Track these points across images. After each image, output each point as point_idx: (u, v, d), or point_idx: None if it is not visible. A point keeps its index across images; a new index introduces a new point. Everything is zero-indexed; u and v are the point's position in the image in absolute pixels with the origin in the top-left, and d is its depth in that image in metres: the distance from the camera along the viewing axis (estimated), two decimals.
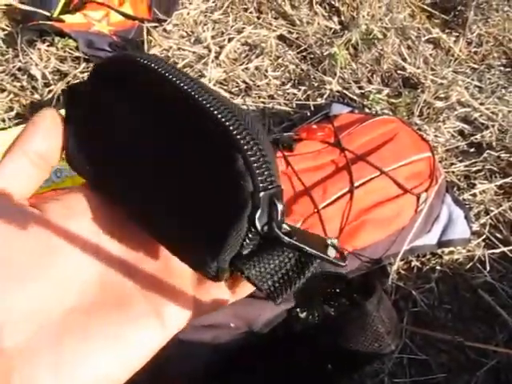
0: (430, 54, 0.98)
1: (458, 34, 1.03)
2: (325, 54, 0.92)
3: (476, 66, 0.98)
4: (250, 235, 0.18)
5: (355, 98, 0.86)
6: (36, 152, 0.19)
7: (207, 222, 0.18)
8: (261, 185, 0.17)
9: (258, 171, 0.18)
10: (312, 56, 0.93)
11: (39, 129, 0.19)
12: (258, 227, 0.17)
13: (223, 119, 0.18)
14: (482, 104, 0.90)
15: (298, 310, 0.57)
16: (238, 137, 0.18)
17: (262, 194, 0.17)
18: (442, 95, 0.90)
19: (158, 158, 0.19)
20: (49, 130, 0.20)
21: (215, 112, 0.18)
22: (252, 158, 0.18)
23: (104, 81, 0.21)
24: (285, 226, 0.18)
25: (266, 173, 0.18)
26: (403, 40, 0.99)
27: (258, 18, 0.99)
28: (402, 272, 0.67)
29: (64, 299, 0.17)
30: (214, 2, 1.00)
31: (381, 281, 0.60)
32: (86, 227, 0.19)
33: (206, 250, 0.18)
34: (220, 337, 0.49)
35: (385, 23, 1.00)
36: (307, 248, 0.19)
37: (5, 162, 0.19)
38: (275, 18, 0.99)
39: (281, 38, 0.97)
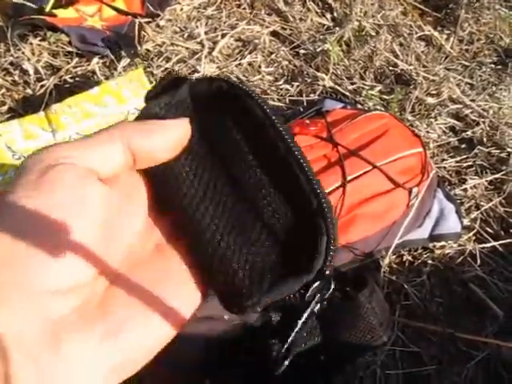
0: (422, 51, 0.99)
1: (449, 32, 1.04)
2: (318, 50, 0.92)
3: (467, 64, 0.99)
4: (293, 296, 0.20)
5: (348, 93, 0.86)
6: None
7: (270, 265, 0.20)
8: (327, 267, 0.20)
9: (330, 254, 0.20)
10: (305, 52, 0.94)
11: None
12: (307, 295, 0.19)
13: (320, 194, 0.20)
14: (473, 101, 0.91)
15: None
16: (329, 219, 0.20)
17: (327, 274, 0.20)
18: (434, 92, 0.90)
19: (244, 188, 0.21)
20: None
21: (314, 183, 0.21)
22: (331, 241, 0.20)
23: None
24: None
25: (331, 257, 0.20)
26: (395, 37, 0.99)
27: (251, 14, 0.99)
28: (394, 266, 0.67)
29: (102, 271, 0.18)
30: None
31: (373, 274, 0.60)
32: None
33: (257, 286, 0.19)
34: (215, 329, 0.49)
35: (377, 20, 1.00)
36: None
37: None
38: (268, 15, 1.00)
39: (274, 34, 0.97)
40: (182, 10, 0.97)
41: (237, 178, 0.21)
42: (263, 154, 0.22)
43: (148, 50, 0.90)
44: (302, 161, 0.21)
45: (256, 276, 0.19)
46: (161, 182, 0.21)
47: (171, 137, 0.21)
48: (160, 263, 0.20)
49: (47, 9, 0.87)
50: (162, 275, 0.20)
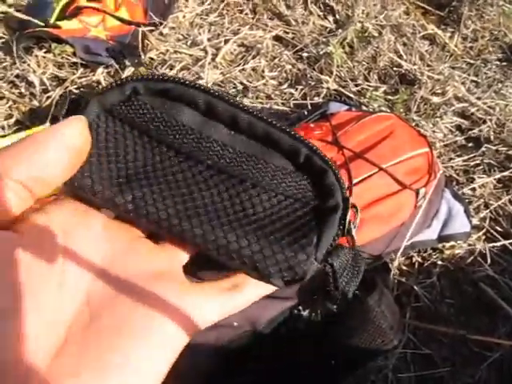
0: (426, 51, 0.98)
1: (453, 30, 1.04)
2: (321, 53, 0.92)
3: (472, 61, 0.99)
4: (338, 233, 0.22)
5: (352, 95, 0.86)
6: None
7: (298, 228, 0.21)
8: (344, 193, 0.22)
9: (341, 181, 0.22)
10: (308, 55, 0.94)
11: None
12: (346, 227, 0.22)
13: (303, 140, 0.22)
14: (478, 98, 0.91)
15: (300, 308, 0.57)
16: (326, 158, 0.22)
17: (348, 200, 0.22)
18: (439, 91, 0.90)
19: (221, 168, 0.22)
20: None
21: (291, 133, 0.22)
22: (337, 171, 0.22)
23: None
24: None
25: (344, 184, 0.22)
26: (398, 37, 0.99)
27: (254, 19, 0.99)
28: (404, 267, 0.67)
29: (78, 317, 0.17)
30: (209, 5, 1.01)
31: (382, 277, 0.60)
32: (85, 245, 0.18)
33: (301, 250, 0.20)
34: (223, 337, 0.49)
35: (380, 21, 1.00)
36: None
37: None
38: (270, 19, 1.00)
39: (277, 38, 0.97)
40: (184, 17, 0.98)
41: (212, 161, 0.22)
42: (221, 129, 0.22)
43: (152, 59, 0.90)
44: (269, 119, 0.22)
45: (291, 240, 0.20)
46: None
47: (58, 150, 0.17)
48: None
49: (51, 21, 0.88)
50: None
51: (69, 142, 0.18)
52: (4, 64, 0.86)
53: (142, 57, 0.88)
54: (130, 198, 0.20)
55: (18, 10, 0.90)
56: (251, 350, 0.50)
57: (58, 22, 0.87)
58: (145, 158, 0.21)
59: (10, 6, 0.93)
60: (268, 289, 0.21)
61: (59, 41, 0.86)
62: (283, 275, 0.20)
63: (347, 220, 0.22)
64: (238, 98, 0.85)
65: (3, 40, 0.89)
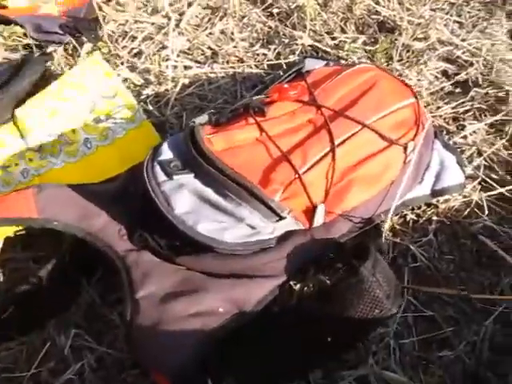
0: None
1: None
2: (292, 6, 0.86)
3: (454, 1, 0.93)
4: None
5: (329, 50, 0.80)
6: None
7: None
8: None
9: None
10: (279, 11, 0.87)
11: None
12: None
13: None
14: (463, 40, 0.85)
15: (291, 283, 0.54)
16: None
17: None
18: (421, 36, 0.84)
19: None
20: None
21: None
22: None
23: None
24: None
25: None
26: None
27: None
28: (398, 227, 0.64)
29: None
30: None
31: (375, 241, 0.57)
32: None
33: None
34: (209, 324, 0.46)
35: None
36: None
37: None
38: None
39: None
40: None
41: None
42: None
43: (111, 31, 0.84)
44: None
45: None
46: None
47: None
48: None
49: None
50: None
51: None
52: None
53: (100, 31, 0.81)
54: None
55: None
56: (242, 333, 0.47)
57: (3, 1, 0.80)
58: None
59: None
60: None
61: (7, 22, 0.79)
62: None
63: None
64: (206, 65, 0.79)
65: None
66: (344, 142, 0.57)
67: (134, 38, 0.83)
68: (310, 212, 0.54)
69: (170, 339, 0.46)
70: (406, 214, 0.65)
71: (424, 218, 0.64)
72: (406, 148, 0.60)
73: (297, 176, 0.53)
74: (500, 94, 0.77)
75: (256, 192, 0.49)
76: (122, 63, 0.79)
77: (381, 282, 0.44)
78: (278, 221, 0.51)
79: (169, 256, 0.50)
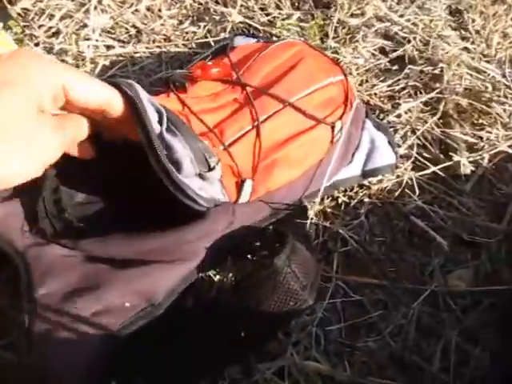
0: None
1: None
2: None
3: None
4: None
5: (259, 27, 0.76)
6: None
7: None
8: None
9: None
10: None
11: None
12: None
13: None
14: (401, 16, 0.83)
15: (211, 273, 0.51)
16: None
17: None
18: (357, 11, 0.82)
19: None
20: None
21: None
22: None
23: None
24: None
25: None
26: None
27: None
28: (329, 211, 0.61)
29: None
30: None
31: (297, 227, 0.54)
32: None
33: None
34: (115, 322, 0.42)
35: None
36: None
37: None
38: None
39: None
40: None
41: None
42: None
43: (26, 9, 0.77)
44: None
45: None
46: None
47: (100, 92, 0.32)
48: None
49: None
50: None
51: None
52: None
53: (11, 7, 0.74)
54: None
55: None
56: (153, 329, 0.44)
57: None
58: None
59: None
60: None
61: None
62: None
63: None
64: (131, 45, 0.74)
65: None
66: (267, 119, 0.54)
67: (51, 16, 0.76)
68: (238, 186, 0.51)
69: (71, 342, 0.42)
70: (337, 197, 0.63)
71: (356, 200, 0.62)
72: (333, 127, 0.57)
73: (223, 148, 0.49)
74: (435, 72, 0.76)
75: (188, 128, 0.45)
76: (38, 44, 0.73)
77: (297, 273, 0.41)
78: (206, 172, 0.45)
79: (74, 242, 0.46)
